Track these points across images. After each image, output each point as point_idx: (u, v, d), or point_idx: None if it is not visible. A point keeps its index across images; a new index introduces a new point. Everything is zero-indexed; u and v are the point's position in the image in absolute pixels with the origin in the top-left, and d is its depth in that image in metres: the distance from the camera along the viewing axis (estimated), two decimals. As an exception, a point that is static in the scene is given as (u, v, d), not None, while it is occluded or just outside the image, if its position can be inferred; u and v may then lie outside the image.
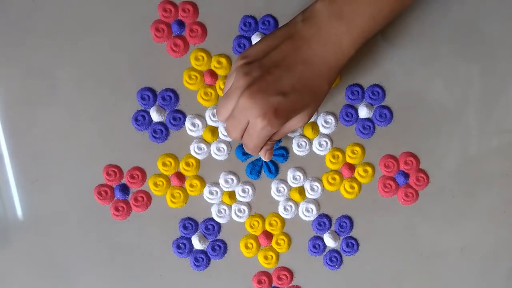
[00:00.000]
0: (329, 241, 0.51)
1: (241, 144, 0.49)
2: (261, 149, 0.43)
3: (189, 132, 0.49)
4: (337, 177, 0.50)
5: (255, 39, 0.49)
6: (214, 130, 0.49)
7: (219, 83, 0.49)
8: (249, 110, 0.38)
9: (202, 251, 0.50)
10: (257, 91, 0.37)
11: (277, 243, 0.51)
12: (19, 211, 0.49)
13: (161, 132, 0.49)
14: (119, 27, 0.48)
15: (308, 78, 0.39)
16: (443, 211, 0.52)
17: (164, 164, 0.49)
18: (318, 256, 0.51)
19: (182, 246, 0.50)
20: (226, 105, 0.40)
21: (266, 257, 0.50)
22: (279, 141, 0.41)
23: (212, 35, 0.49)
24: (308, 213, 0.51)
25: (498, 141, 0.51)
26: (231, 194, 0.50)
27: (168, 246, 0.50)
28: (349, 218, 0.51)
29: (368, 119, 0.50)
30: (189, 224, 0.50)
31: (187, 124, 0.49)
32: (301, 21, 0.39)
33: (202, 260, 0.50)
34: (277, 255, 0.51)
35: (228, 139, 0.50)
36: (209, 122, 0.49)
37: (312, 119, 0.50)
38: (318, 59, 0.39)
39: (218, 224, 0.50)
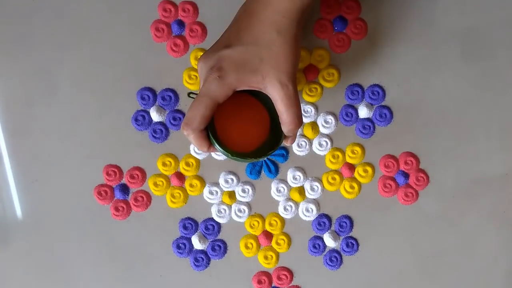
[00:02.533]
0: (329, 241, 0.51)
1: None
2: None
3: (189, 132, 0.49)
4: (337, 177, 0.50)
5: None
6: (214, 130, 0.49)
7: (219, 83, 0.49)
8: (199, 71, 0.38)
9: (202, 251, 0.50)
10: (204, 54, 0.39)
11: (277, 243, 0.51)
12: (19, 211, 0.49)
13: (161, 132, 0.49)
14: (119, 27, 0.48)
15: (251, 27, 0.37)
16: (443, 211, 0.52)
17: (164, 164, 0.49)
18: (318, 256, 0.51)
19: (182, 246, 0.50)
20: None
21: (266, 257, 0.50)
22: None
23: (212, 35, 0.49)
24: (308, 213, 0.51)
25: (498, 141, 0.51)
26: (231, 194, 0.50)
27: (168, 246, 0.50)
28: (349, 218, 0.51)
29: (368, 119, 0.50)
30: (189, 224, 0.50)
31: (187, 124, 0.49)
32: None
33: (202, 260, 0.50)
34: (277, 255, 0.51)
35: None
36: (209, 122, 0.49)
37: (312, 119, 0.50)
38: (259, 5, 0.37)
39: (218, 224, 0.50)
